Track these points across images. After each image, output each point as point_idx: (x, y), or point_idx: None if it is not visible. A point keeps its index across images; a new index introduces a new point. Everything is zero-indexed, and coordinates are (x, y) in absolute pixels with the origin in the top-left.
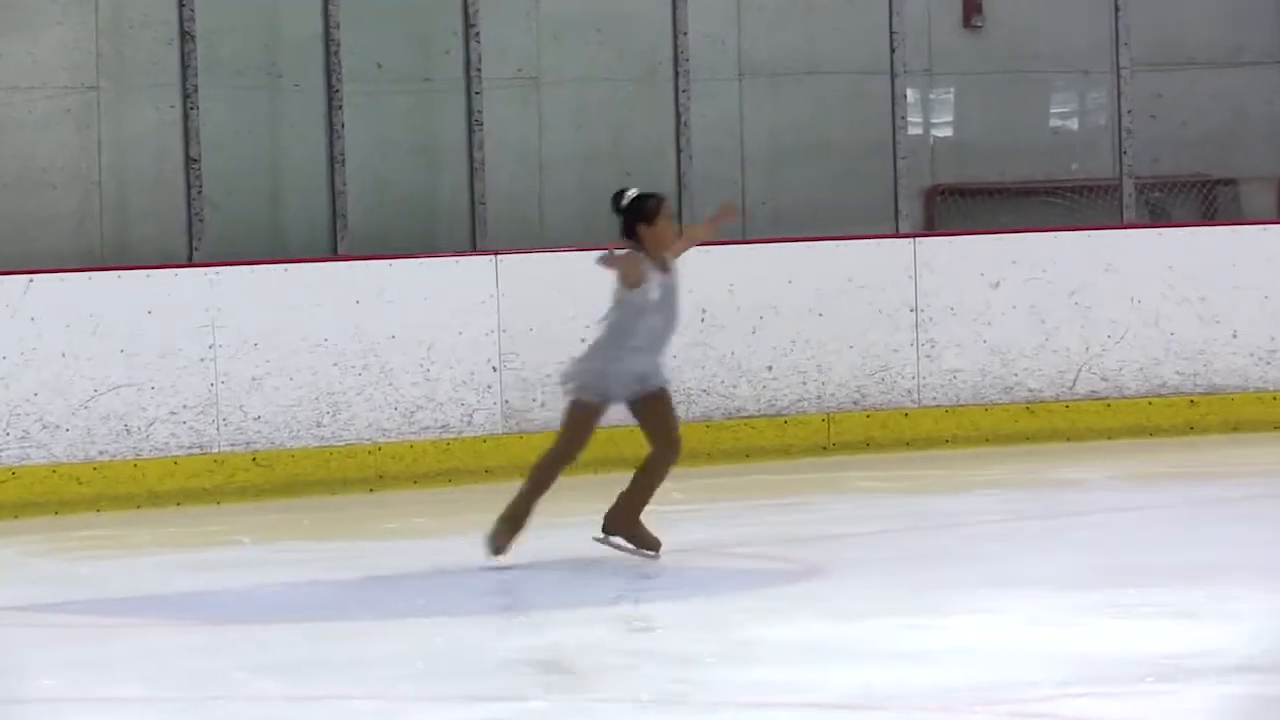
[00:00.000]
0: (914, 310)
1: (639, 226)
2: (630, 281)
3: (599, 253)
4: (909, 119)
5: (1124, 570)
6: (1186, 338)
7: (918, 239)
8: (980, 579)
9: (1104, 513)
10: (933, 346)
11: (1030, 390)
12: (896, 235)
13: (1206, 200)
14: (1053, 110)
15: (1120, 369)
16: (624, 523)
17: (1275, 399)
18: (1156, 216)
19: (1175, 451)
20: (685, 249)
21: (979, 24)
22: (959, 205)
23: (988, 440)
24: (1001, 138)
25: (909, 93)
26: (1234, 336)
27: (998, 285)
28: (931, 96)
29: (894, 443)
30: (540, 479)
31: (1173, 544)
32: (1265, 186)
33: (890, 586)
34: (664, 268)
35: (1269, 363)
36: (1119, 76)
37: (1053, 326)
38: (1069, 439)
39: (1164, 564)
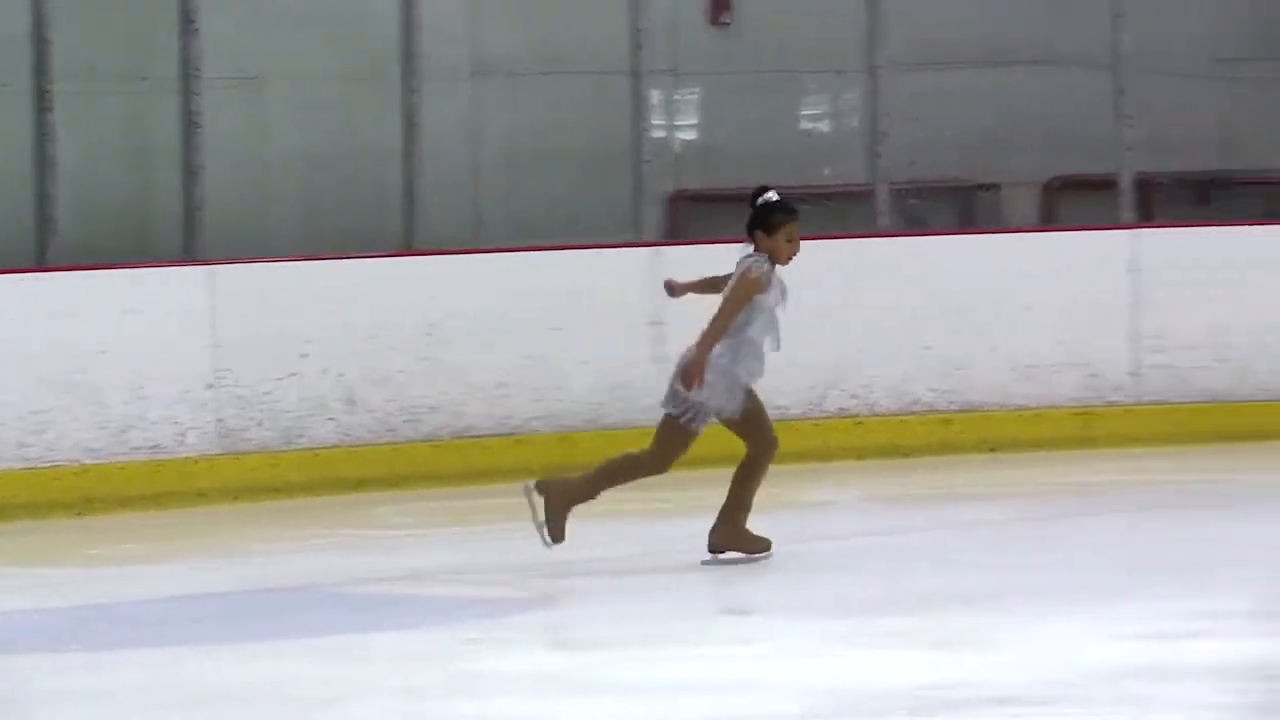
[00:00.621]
0: (655, 324)
1: (757, 232)
2: (759, 286)
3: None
4: (653, 121)
5: (876, 598)
6: (942, 352)
7: (660, 248)
8: (723, 607)
9: (854, 537)
10: (673, 362)
11: (778, 408)
12: (637, 244)
13: (966, 206)
14: (804, 112)
15: (871, 385)
16: (732, 537)
17: (1036, 417)
18: (913, 224)
19: (929, 472)
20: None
21: (727, 21)
22: (704, 212)
23: (729, 462)
24: (750, 141)
25: (653, 94)
26: (993, 351)
27: None
28: (676, 98)
29: None
30: (619, 474)
31: (927, 570)
32: (1029, 192)
33: (628, 615)
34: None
35: (1029, 379)
36: (874, 76)
37: (806, 340)
38: (818, 459)
39: (918, 591)
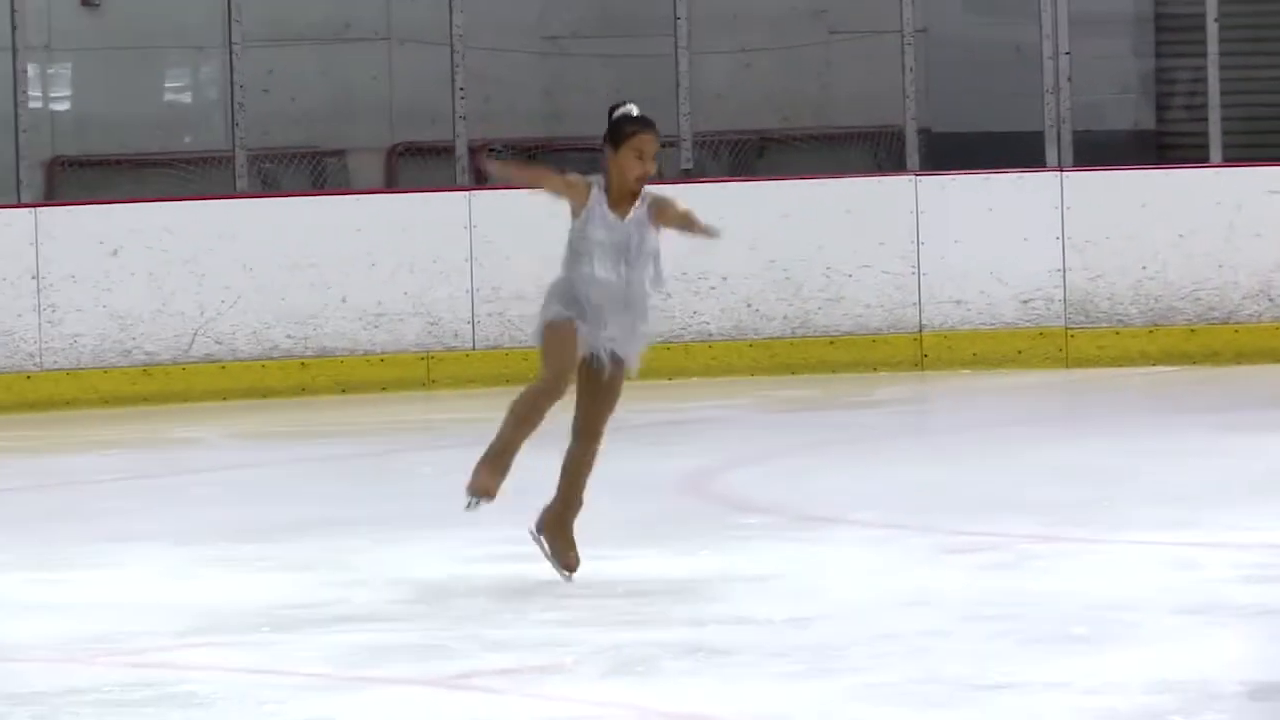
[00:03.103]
0: (35, 278)
1: (606, 148)
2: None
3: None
4: (30, 93)
5: (240, 525)
6: (298, 303)
7: (39, 209)
8: (102, 534)
9: (220, 470)
10: (54, 312)
11: (148, 353)
12: (18, 205)
13: (316, 171)
14: (167, 85)
15: (234, 333)
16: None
17: (383, 361)
18: (269, 186)
19: (288, 412)
20: (671, 224)
21: (96, 3)
22: (80, 176)
23: (107, 402)
24: (119, 111)
25: (30, 68)
26: (343, 301)
27: (116, 253)
28: (50, 72)
29: (17, 405)
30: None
31: (286, 500)
32: (373, 157)
33: (13, 543)
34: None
35: (377, 327)
36: (231, 52)
37: (169, 292)
38: (185, 400)
39: (278, 519)
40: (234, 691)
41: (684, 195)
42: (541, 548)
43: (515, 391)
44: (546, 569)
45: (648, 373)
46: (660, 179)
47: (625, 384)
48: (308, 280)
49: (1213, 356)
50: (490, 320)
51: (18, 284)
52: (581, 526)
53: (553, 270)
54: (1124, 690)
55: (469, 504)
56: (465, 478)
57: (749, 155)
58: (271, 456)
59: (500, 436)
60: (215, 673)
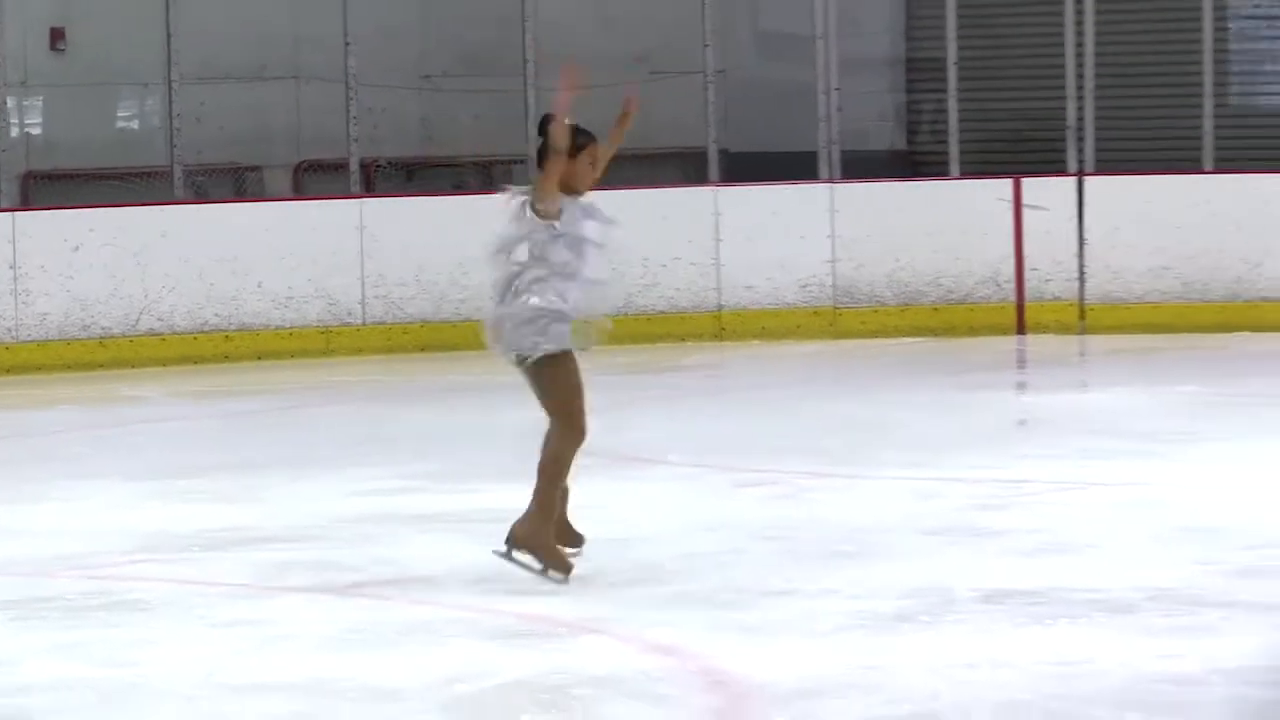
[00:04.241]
0: (13, 268)
1: (553, 156)
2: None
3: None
4: (10, 121)
5: (176, 466)
6: (223, 288)
7: (16, 214)
8: (64, 474)
9: (160, 422)
10: (28, 295)
11: (103, 329)
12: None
13: (238, 183)
14: (119, 114)
15: (172, 312)
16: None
17: (294, 334)
18: (200, 195)
19: (215, 375)
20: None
21: (63, 47)
22: (49, 187)
23: (70, 368)
24: (81, 135)
25: (9, 100)
26: (259, 286)
27: (78, 249)
28: (25, 103)
29: None
30: (547, 467)
31: (213, 446)
32: (283, 172)
33: None
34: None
35: (287, 307)
36: (170, 88)
37: (120, 280)
38: (133, 366)
39: (207, 461)
40: (172, 598)
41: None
42: (522, 564)
43: (401, 359)
44: (419, 503)
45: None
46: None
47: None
48: (231, 270)
49: (951, 330)
50: (377, 301)
51: None
52: (459, 467)
53: (429, 257)
54: (882, 596)
55: (560, 580)
56: (531, 560)
57: None
58: (201, 411)
59: (542, 502)
60: (157, 584)
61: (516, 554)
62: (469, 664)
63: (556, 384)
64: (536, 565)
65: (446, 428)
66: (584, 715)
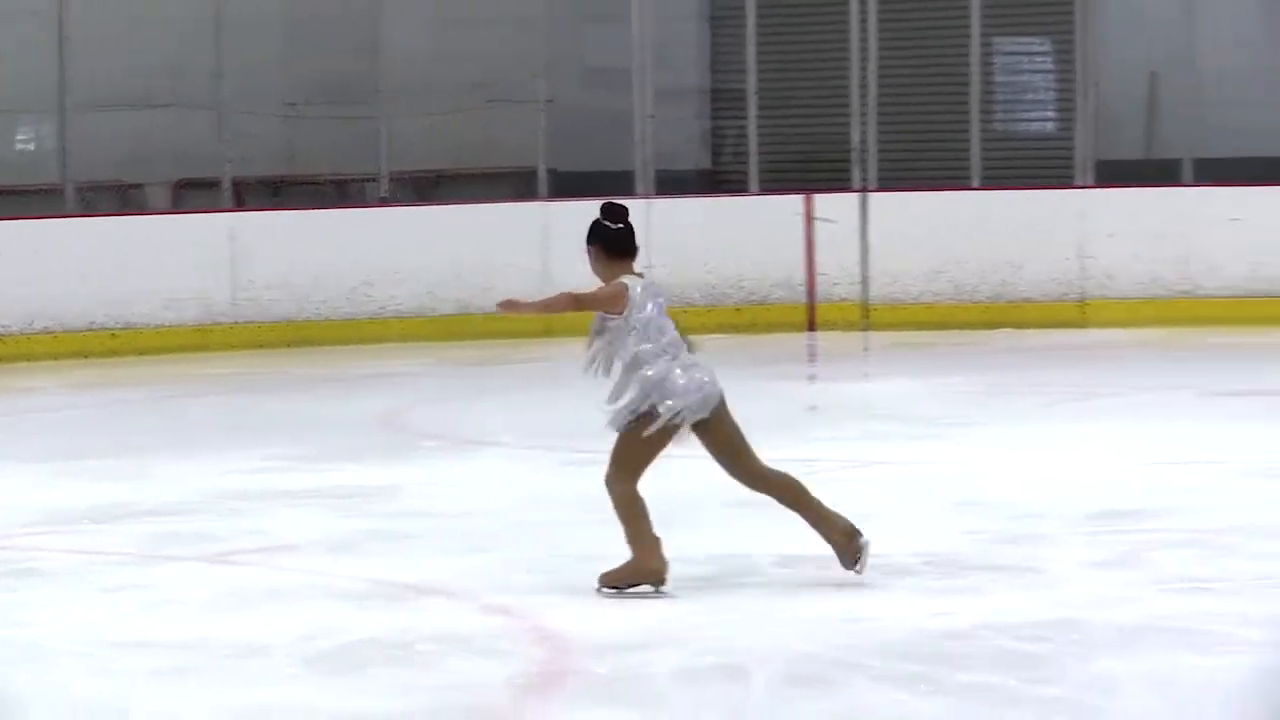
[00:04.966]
0: None
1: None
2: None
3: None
4: None
5: (68, 448)
6: (111, 291)
7: None
8: None
9: (54, 410)
10: None
11: (3, 326)
12: None
13: (123, 198)
14: (19, 137)
15: (65, 312)
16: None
17: (170, 332)
18: (89, 209)
19: (103, 369)
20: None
21: None
22: None
23: None
24: None
25: None
26: (142, 290)
27: None
28: None
29: None
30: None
31: (102, 430)
32: (163, 189)
33: None
34: None
35: (168, 308)
36: (63, 114)
37: (18, 284)
38: (29, 360)
39: (96, 444)
40: (67, 567)
41: (379, 219)
42: (623, 587)
43: (268, 354)
44: (284, 481)
45: (356, 338)
46: (364, 203)
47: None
48: (117, 276)
49: (751, 327)
50: (247, 303)
51: None
52: (319, 449)
53: (294, 265)
54: (691, 561)
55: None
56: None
57: (428, 188)
58: (91, 400)
59: (632, 533)
60: (53, 553)
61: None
62: (327, 622)
63: None
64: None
65: (309, 414)
66: (429, 668)
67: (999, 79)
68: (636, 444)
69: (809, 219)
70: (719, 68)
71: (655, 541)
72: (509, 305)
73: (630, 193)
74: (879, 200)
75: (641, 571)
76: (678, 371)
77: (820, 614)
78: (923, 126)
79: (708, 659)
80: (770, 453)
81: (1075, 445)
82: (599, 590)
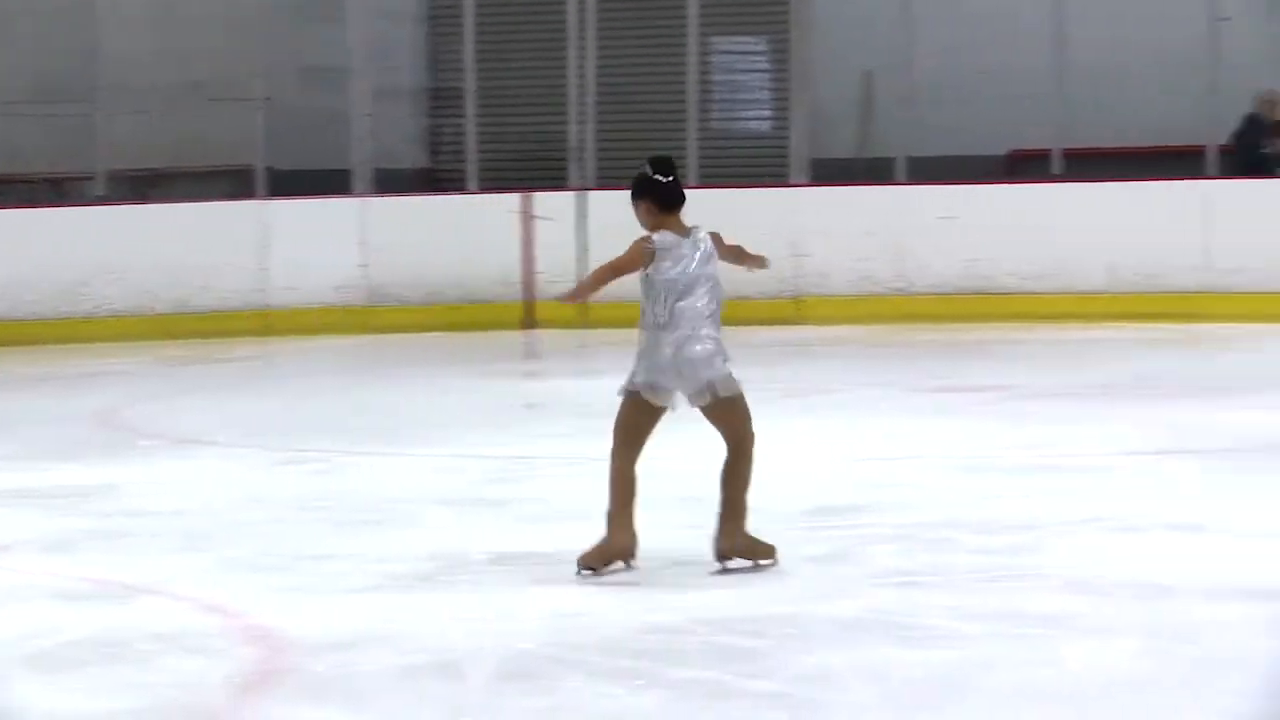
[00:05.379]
0: None
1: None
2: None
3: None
4: None
5: None
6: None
7: None
8: None
9: None
10: None
11: None
12: None
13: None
14: None
15: None
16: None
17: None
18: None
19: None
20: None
21: None
22: None
23: None
24: None
25: None
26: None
27: None
28: None
29: None
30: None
31: None
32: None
33: None
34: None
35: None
36: None
37: None
38: None
39: None
40: None
41: (96, 218)
42: (610, 568)
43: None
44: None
45: (72, 336)
46: (80, 201)
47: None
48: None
49: (470, 325)
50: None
51: None
52: (32, 448)
53: (9, 266)
54: (406, 560)
55: (770, 563)
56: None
57: (146, 186)
58: None
59: (610, 509)
60: None
61: (730, 564)
62: (44, 622)
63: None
64: (748, 563)
65: (23, 413)
66: (147, 666)
67: (715, 78)
68: (622, 413)
69: (527, 217)
70: (437, 67)
71: (628, 520)
72: (572, 296)
73: (348, 191)
74: (597, 198)
75: (612, 550)
76: (668, 351)
77: (536, 611)
78: (640, 125)
79: (423, 657)
80: (487, 450)
81: (791, 441)
82: (579, 573)
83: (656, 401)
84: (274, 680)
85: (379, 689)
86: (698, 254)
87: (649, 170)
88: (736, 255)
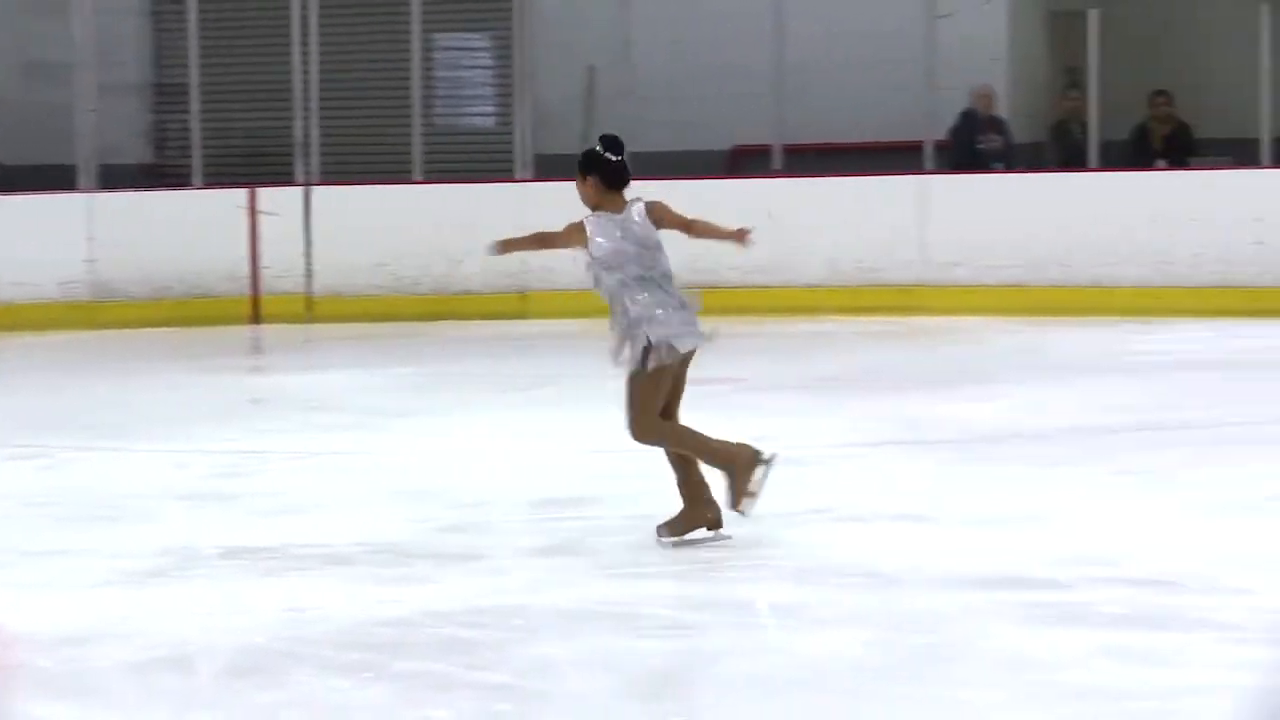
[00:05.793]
0: None
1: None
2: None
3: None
4: None
5: None
6: None
7: None
8: None
9: None
10: None
11: None
12: None
13: None
14: None
15: None
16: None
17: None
18: None
19: None
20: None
21: None
22: None
23: None
24: None
25: None
26: None
27: None
28: None
29: None
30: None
31: None
32: None
33: None
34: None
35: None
36: None
37: None
38: None
39: None
40: None
41: None
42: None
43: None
44: None
45: None
46: None
47: None
48: None
49: (197, 320)
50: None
51: None
52: None
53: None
54: (138, 555)
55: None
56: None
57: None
58: None
59: (708, 453)
60: None
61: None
62: None
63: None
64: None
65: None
66: None
67: (439, 74)
68: (645, 382)
69: (252, 212)
70: (161, 62)
71: (738, 446)
72: (501, 246)
73: (73, 187)
74: (322, 194)
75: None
76: (659, 313)
77: (265, 605)
78: (365, 121)
79: (155, 651)
80: (215, 445)
81: (518, 434)
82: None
83: (683, 348)
84: (2, 677)
85: (110, 684)
86: (631, 227)
87: (599, 148)
88: (685, 226)
